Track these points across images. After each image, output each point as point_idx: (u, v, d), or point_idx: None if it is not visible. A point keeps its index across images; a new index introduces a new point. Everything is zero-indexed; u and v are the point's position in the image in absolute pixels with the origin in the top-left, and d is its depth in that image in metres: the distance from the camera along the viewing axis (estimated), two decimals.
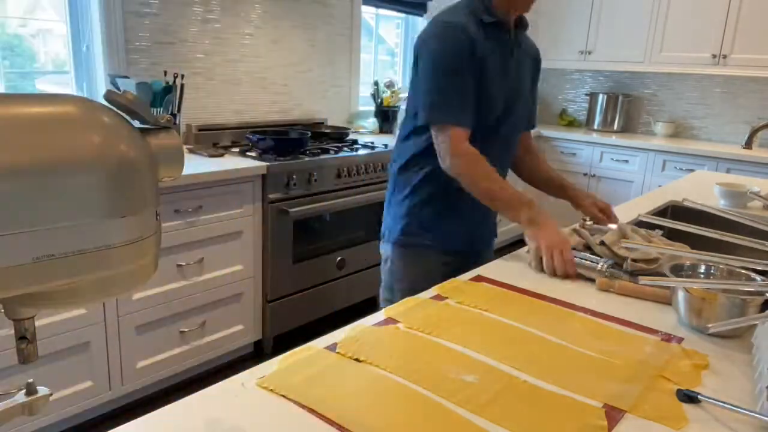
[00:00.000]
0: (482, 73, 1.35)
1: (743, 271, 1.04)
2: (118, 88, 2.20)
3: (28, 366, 1.83)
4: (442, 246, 1.48)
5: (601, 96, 4.26)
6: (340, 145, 2.87)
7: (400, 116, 3.27)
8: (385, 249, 1.56)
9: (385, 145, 2.96)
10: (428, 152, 1.40)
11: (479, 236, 1.58)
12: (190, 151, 2.53)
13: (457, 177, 1.35)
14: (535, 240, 1.26)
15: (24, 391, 0.51)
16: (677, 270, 1.08)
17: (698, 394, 0.76)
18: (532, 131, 1.69)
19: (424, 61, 1.36)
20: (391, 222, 1.54)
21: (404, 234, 1.50)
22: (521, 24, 1.46)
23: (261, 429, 0.68)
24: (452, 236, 1.49)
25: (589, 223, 1.50)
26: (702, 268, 1.10)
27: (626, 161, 3.83)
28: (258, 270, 2.44)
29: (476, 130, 1.35)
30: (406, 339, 0.90)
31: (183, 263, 2.15)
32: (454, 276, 1.19)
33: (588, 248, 1.38)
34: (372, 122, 3.51)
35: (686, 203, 1.09)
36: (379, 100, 3.59)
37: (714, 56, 3.62)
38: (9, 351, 1.75)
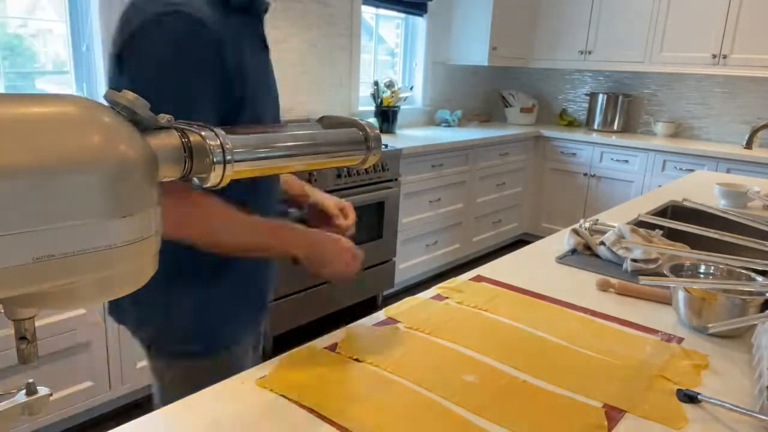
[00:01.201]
0: (236, 70, 0.89)
1: (743, 271, 1.04)
2: None
3: (28, 366, 1.83)
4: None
5: (601, 96, 4.26)
6: None
7: None
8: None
9: (386, 145, 2.96)
10: None
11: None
12: None
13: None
14: (330, 264, 0.98)
15: (24, 391, 0.51)
16: (677, 270, 1.08)
17: (698, 394, 0.76)
18: None
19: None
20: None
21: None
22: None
23: (261, 429, 0.68)
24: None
25: (587, 224, 1.51)
26: (702, 268, 1.10)
27: (626, 161, 3.83)
28: None
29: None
30: (406, 339, 0.90)
31: None
32: None
33: (588, 248, 1.38)
34: (372, 122, 3.51)
35: (686, 203, 1.09)
36: (379, 100, 3.59)
37: (714, 56, 3.62)
38: (9, 351, 1.75)
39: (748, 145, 2.01)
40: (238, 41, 0.89)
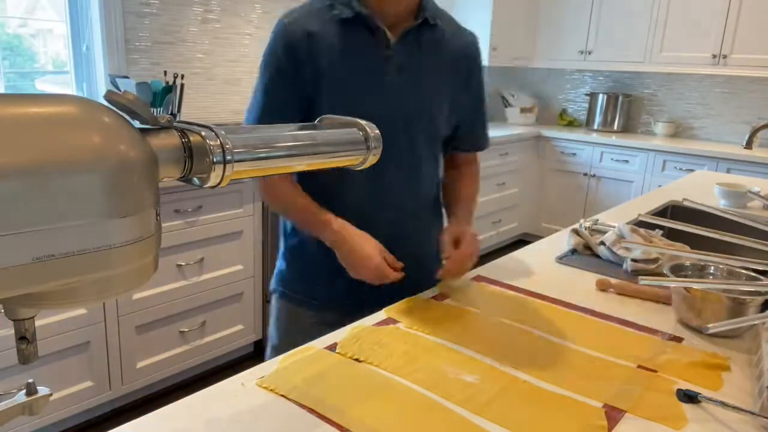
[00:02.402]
0: (319, 82, 1.04)
1: (743, 271, 1.04)
2: (118, 88, 2.20)
3: (28, 366, 1.83)
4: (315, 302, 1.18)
5: (601, 96, 4.26)
6: None
7: None
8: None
9: None
10: None
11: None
12: None
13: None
14: (349, 269, 1.05)
15: (24, 391, 0.51)
16: (677, 270, 1.08)
17: (698, 394, 0.76)
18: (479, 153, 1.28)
19: None
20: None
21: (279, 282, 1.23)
22: (423, 17, 1.07)
23: (261, 429, 0.68)
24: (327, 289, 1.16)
25: (587, 223, 1.51)
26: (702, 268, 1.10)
27: (626, 161, 3.83)
28: (258, 270, 2.44)
29: None
30: (406, 339, 0.90)
31: (183, 263, 2.15)
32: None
33: (588, 248, 1.38)
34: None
35: (686, 203, 1.09)
36: None
37: (714, 56, 3.62)
38: (9, 351, 1.75)
39: (748, 145, 2.01)
40: (335, 45, 1.04)
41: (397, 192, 1.14)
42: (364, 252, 1.02)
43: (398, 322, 0.96)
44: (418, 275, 1.10)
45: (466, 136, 1.23)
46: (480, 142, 1.26)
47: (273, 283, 1.23)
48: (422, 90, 1.10)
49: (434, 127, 1.14)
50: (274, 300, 1.23)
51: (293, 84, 1.05)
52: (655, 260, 1.25)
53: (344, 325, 0.95)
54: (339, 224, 1.04)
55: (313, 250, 1.12)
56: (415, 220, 1.18)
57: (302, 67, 1.03)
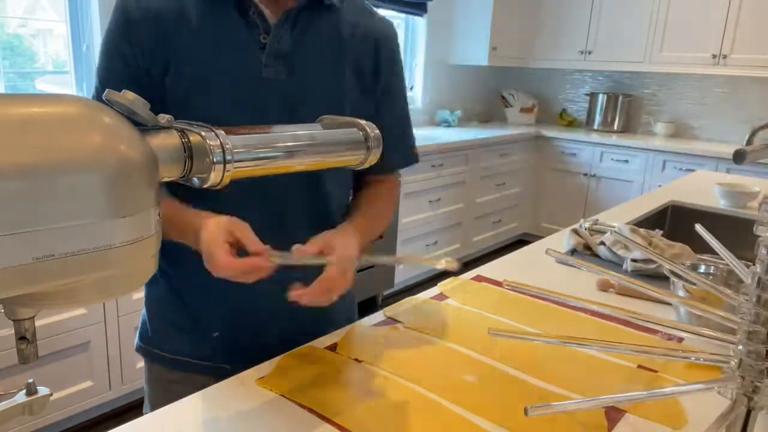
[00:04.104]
0: (165, 76, 0.81)
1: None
2: None
3: (28, 366, 1.83)
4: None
5: (601, 96, 4.26)
6: None
7: None
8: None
9: None
10: None
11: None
12: None
13: None
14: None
15: (24, 391, 0.51)
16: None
17: None
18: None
19: None
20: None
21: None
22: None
23: (261, 429, 0.68)
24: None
25: (587, 224, 1.51)
26: (702, 268, 1.10)
27: (626, 161, 3.83)
28: None
29: None
30: (406, 339, 0.90)
31: None
32: None
33: (588, 248, 1.38)
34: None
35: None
36: None
37: (714, 56, 3.62)
38: (9, 351, 1.75)
39: (748, 145, 2.01)
40: (189, 22, 0.80)
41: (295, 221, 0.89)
42: (208, 249, 0.71)
43: (398, 322, 0.96)
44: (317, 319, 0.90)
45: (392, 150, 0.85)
46: (393, 160, 0.93)
47: (137, 341, 1.01)
48: (314, 87, 0.86)
49: None
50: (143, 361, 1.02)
51: (134, 81, 0.81)
52: (654, 260, 1.24)
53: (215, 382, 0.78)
54: (199, 227, 0.75)
55: (178, 295, 0.94)
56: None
57: (145, 56, 0.80)
